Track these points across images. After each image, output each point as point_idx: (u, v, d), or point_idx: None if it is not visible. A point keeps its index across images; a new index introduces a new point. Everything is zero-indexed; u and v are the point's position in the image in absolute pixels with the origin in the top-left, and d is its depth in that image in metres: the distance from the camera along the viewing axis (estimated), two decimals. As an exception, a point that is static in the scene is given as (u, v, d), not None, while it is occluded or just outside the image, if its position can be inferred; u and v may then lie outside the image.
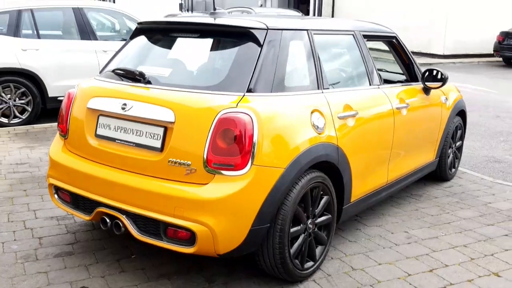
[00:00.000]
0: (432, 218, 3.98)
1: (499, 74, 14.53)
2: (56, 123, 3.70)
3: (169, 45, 3.25)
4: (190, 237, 2.62)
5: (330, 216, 3.13)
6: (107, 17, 7.85)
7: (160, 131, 2.74)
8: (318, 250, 3.08)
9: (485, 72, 14.82)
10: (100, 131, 2.99)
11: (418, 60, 16.80)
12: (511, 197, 4.50)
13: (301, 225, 2.91)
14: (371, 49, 4.36)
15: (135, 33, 3.36)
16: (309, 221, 2.96)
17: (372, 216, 3.98)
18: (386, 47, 4.38)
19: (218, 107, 2.62)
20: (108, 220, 2.88)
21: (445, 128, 4.61)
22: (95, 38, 7.16)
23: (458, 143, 5.03)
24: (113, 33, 7.63)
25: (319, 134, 2.92)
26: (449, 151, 4.82)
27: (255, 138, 2.59)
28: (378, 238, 3.59)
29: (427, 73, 4.24)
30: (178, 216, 2.61)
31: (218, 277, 2.99)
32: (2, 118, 6.67)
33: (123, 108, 2.84)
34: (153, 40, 3.32)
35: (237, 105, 2.62)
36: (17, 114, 6.74)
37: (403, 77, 4.43)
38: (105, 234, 3.49)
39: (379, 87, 3.69)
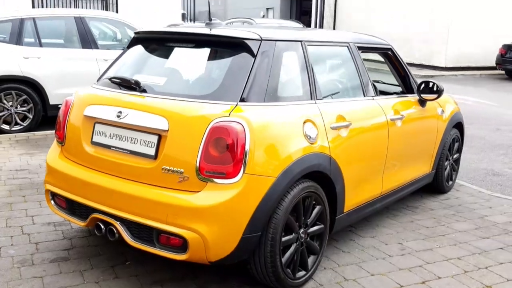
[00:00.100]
0: (427, 230, 3.99)
1: (501, 87, 14.56)
2: (56, 131, 3.76)
3: (165, 54, 3.30)
4: (182, 244, 2.65)
5: (322, 226, 3.14)
6: (109, 26, 7.94)
7: (154, 139, 2.78)
8: (311, 259, 3.10)
9: (487, 85, 14.86)
10: (96, 138, 3.03)
11: (420, 72, 16.97)
12: (508, 210, 4.50)
13: (293, 234, 2.93)
14: (370, 60, 4.41)
15: (132, 42, 3.42)
16: (301, 230, 2.98)
17: (367, 227, 3.99)
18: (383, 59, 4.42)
19: (211, 116, 2.66)
20: (102, 226, 2.91)
21: (442, 140, 4.63)
22: (96, 47, 7.25)
23: (455, 156, 5.04)
24: (114, 42, 7.72)
25: (311, 144, 2.95)
26: (446, 163, 4.84)
27: (247, 147, 2.62)
28: (372, 249, 3.60)
29: (423, 85, 4.27)
30: (170, 223, 2.64)
31: (211, 285, 3.01)
32: (3, 125, 6.74)
33: (118, 116, 2.88)
34: (150, 49, 3.38)
35: (229, 114, 2.66)
36: (19, 121, 6.81)
37: (400, 89, 4.46)
38: (101, 240, 3.51)
39: (373, 99, 3.72)
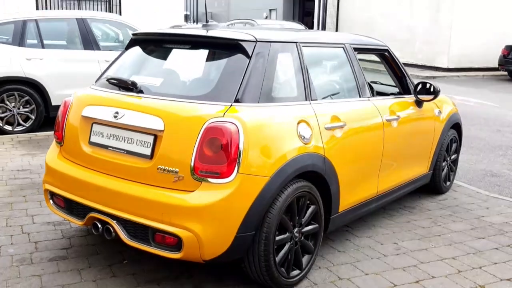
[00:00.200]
0: (423, 230, 4.01)
1: (503, 88, 14.54)
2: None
3: (162, 55, 3.35)
4: (177, 243, 2.68)
5: (317, 225, 3.17)
6: (111, 28, 8.00)
7: (150, 139, 2.82)
8: (305, 258, 3.13)
9: (489, 86, 14.84)
10: (94, 139, 3.08)
11: (422, 74, 16.97)
12: (505, 211, 4.52)
13: (287, 233, 2.96)
14: (371, 61, 4.44)
15: (130, 44, 3.47)
16: (296, 229, 3.01)
17: (364, 227, 4.02)
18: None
19: (206, 116, 2.70)
20: (99, 225, 2.95)
21: (439, 141, 4.65)
22: (98, 48, 7.31)
23: (453, 156, 5.06)
24: (116, 43, 7.77)
25: (305, 144, 2.99)
26: (444, 164, 4.86)
27: (241, 147, 2.66)
28: (367, 248, 3.62)
29: (419, 86, 4.29)
30: (165, 222, 2.68)
31: (206, 284, 3.04)
32: (6, 125, 6.80)
33: (115, 116, 2.93)
34: (147, 50, 3.42)
35: (224, 114, 2.70)
36: (21, 122, 6.87)
37: (397, 90, 4.48)
38: (99, 240, 3.55)
39: (369, 99, 3.75)
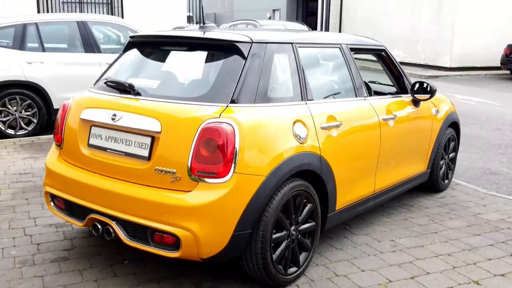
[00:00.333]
0: (420, 227, 4.05)
1: (506, 87, 14.54)
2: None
3: (159, 57, 3.40)
4: (175, 242, 2.73)
5: (314, 223, 3.22)
6: (112, 30, 8.04)
7: (148, 140, 2.87)
8: (302, 256, 3.17)
9: (491, 85, 14.84)
10: (92, 141, 3.13)
11: (425, 73, 17.00)
12: (502, 208, 4.56)
13: (284, 231, 3.00)
14: (370, 61, 4.48)
15: (128, 46, 3.52)
16: (292, 228, 3.05)
17: (361, 225, 4.06)
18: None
19: (202, 117, 2.75)
20: (99, 226, 3.00)
21: (436, 139, 4.69)
22: (99, 51, 7.35)
23: (451, 155, 5.09)
24: (117, 46, 7.79)
25: (301, 144, 3.03)
26: (442, 162, 4.89)
27: (237, 147, 2.70)
28: (365, 246, 3.67)
29: (417, 85, 4.33)
30: (164, 222, 2.72)
31: (205, 282, 3.09)
32: (8, 129, 6.86)
33: (113, 119, 2.98)
34: (144, 53, 3.48)
35: (220, 115, 2.75)
36: (23, 125, 6.93)
37: (394, 89, 4.52)
38: (100, 241, 3.60)
39: (365, 99, 3.79)
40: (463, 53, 18.13)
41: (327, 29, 24.47)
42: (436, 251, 3.61)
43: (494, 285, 3.16)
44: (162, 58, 3.36)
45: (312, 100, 3.30)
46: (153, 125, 2.83)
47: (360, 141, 3.62)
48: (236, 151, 2.70)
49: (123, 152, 2.97)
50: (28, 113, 6.92)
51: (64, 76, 7.00)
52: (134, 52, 3.47)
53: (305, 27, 16.22)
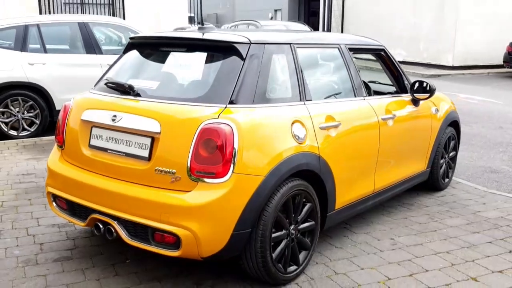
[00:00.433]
0: (420, 226, 4.08)
1: (508, 85, 14.51)
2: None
3: (158, 59, 3.44)
4: (175, 241, 2.76)
5: (313, 222, 3.24)
6: (113, 31, 8.08)
7: (148, 141, 2.90)
8: (302, 255, 3.20)
9: (494, 83, 14.82)
10: (93, 142, 3.16)
11: (428, 72, 17.00)
12: (501, 206, 4.57)
13: (284, 230, 3.03)
14: (371, 60, 4.50)
15: (128, 48, 3.56)
16: (292, 227, 3.08)
17: (362, 223, 4.09)
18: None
19: (201, 118, 2.78)
20: (101, 226, 3.03)
21: (436, 138, 4.70)
22: (100, 52, 7.38)
23: (451, 154, 5.11)
24: (119, 47, 7.82)
25: (300, 144, 3.06)
26: (442, 161, 4.91)
27: (235, 148, 2.73)
28: (364, 244, 3.69)
29: (416, 85, 4.35)
30: (164, 221, 2.76)
31: (206, 281, 3.12)
32: (11, 130, 6.91)
33: (113, 120, 3.01)
34: (144, 54, 3.51)
35: (218, 116, 2.78)
36: (26, 126, 6.97)
37: (394, 89, 4.54)
38: (103, 240, 3.64)
39: (364, 99, 3.82)
40: (465, 51, 18.11)
41: (329, 29, 24.48)
42: (435, 249, 3.64)
43: (492, 281, 3.19)
44: (161, 59, 3.40)
45: (311, 100, 3.33)
46: (152, 126, 2.86)
47: (359, 141, 3.64)
48: (235, 151, 2.73)
49: (123, 152, 3.01)
50: (31, 114, 6.96)
51: (66, 77, 7.04)
52: (134, 53, 3.51)
53: (306, 28, 16.24)
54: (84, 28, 7.35)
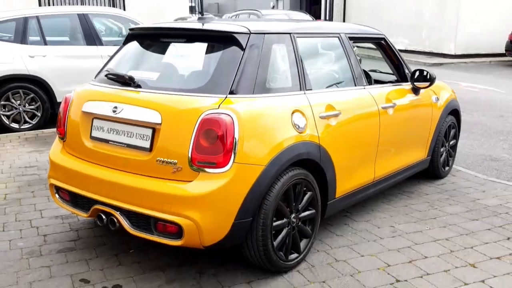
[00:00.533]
0: (420, 213, 4.11)
1: (510, 74, 14.46)
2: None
3: (158, 50, 3.45)
4: (177, 231, 2.79)
5: (314, 211, 3.27)
6: (114, 22, 8.07)
7: (149, 132, 2.92)
8: (303, 243, 3.24)
9: (496, 72, 14.77)
10: (95, 133, 3.19)
11: (430, 61, 16.95)
12: (501, 193, 4.60)
13: (285, 219, 3.06)
14: (373, 49, 4.49)
15: (128, 39, 3.57)
16: (293, 215, 3.11)
17: (362, 211, 4.12)
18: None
19: (201, 108, 2.80)
20: (104, 217, 3.06)
21: (437, 127, 4.72)
22: (101, 44, 7.38)
23: (452, 142, 5.12)
24: (119, 38, 7.80)
25: (300, 133, 3.08)
26: (442, 149, 4.92)
27: (236, 138, 2.75)
28: (365, 232, 3.73)
29: (416, 73, 4.35)
30: (166, 211, 2.79)
31: (208, 269, 3.16)
32: (13, 123, 6.93)
33: (114, 111, 3.03)
34: (144, 45, 3.51)
35: (219, 106, 2.80)
36: (27, 119, 6.99)
37: (394, 78, 4.55)
38: (105, 231, 3.68)
39: (364, 88, 3.83)
40: (467, 40, 18.02)
41: (331, 18, 24.38)
42: (435, 236, 3.67)
43: (490, 267, 3.22)
44: (161, 50, 3.41)
45: (311, 90, 3.34)
46: (153, 117, 2.88)
47: (359, 129, 3.66)
48: (235, 141, 2.75)
49: (125, 143, 3.03)
50: (32, 107, 6.97)
51: (67, 69, 7.04)
52: (134, 45, 3.52)
53: (308, 17, 16.20)
54: (84, 20, 7.33)
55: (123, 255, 3.35)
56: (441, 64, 16.66)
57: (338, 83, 3.78)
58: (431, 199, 4.45)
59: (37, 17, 7.10)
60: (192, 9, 25.10)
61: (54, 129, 6.83)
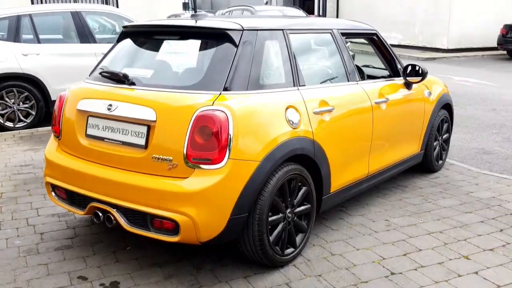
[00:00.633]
0: (414, 207, 4.15)
1: (502, 67, 14.55)
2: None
3: (151, 47, 3.46)
4: (174, 227, 2.82)
5: (309, 206, 3.30)
6: (107, 20, 8.04)
7: (144, 129, 2.94)
8: (299, 237, 3.27)
9: (488, 66, 14.86)
10: (90, 131, 3.20)
11: (423, 55, 17.01)
12: (493, 186, 4.65)
13: (280, 214, 3.09)
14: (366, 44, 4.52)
15: (121, 37, 3.57)
16: (288, 210, 3.14)
17: (357, 206, 4.16)
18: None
19: (196, 105, 2.81)
20: (100, 214, 3.07)
21: (429, 121, 4.75)
22: (94, 41, 7.35)
23: (445, 136, 5.17)
24: (112, 36, 7.77)
25: (294, 129, 3.10)
26: (435, 143, 4.97)
27: (231, 134, 2.77)
28: (360, 226, 3.77)
29: (409, 68, 4.39)
30: (162, 208, 2.81)
31: (205, 265, 3.19)
32: (7, 122, 6.91)
33: (109, 109, 3.04)
34: (138, 42, 3.52)
35: (213, 103, 2.82)
36: (22, 118, 6.97)
37: (387, 73, 4.58)
38: (102, 228, 3.69)
39: (357, 83, 3.86)
40: (460, 34, 18.10)
41: (324, 14, 24.38)
42: (429, 229, 3.72)
43: (483, 259, 3.27)
44: (155, 47, 3.42)
45: (304, 85, 3.37)
46: (148, 114, 2.90)
47: (353, 125, 3.69)
48: (230, 137, 2.77)
49: (120, 141, 3.04)
50: (26, 105, 6.96)
51: (60, 67, 7.02)
52: (128, 42, 3.52)
53: (301, 13, 16.18)
54: (77, 17, 7.31)
55: (120, 252, 3.37)
56: (434, 58, 16.73)
57: (331, 79, 3.81)
58: (425, 192, 4.50)
59: (30, 15, 7.07)
60: (185, 6, 25.01)
61: (49, 128, 6.83)
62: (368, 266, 3.18)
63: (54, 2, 14.44)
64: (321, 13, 24.63)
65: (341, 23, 4.06)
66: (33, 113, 7.01)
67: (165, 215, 2.80)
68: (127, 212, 2.98)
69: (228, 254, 3.29)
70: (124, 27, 3.59)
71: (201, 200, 2.77)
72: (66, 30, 7.40)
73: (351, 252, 3.36)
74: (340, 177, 3.58)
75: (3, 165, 5.31)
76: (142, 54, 3.51)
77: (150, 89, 3.02)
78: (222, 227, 2.83)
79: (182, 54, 3.25)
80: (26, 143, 6.19)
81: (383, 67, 4.62)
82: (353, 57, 4.01)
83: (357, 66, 4.20)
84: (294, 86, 3.29)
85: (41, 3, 14.29)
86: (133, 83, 3.12)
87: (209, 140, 2.76)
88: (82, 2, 14.75)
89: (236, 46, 3.04)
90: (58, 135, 3.41)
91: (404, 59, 15.59)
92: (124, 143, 3.02)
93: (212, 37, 3.17)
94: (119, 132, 3.05)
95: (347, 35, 4.02)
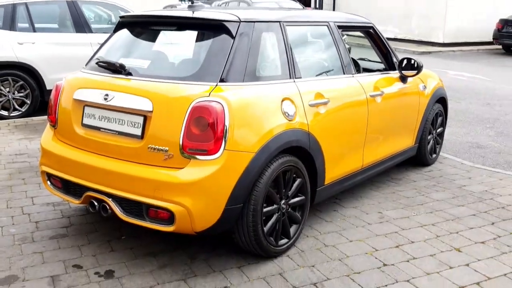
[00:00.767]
0: (407, 200, 4.19)
1: (498, 62, 14.60)
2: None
3: (148, 37, 3.46)
4: (169, 217, 2.84)
5: (303, 197, 3.33)
6: (103, 10, 8.01)
7: (140, 119, 2.95)
8: (293, 228, 3.30)
9: (484, 60, 14.91)
10: (86, 121, 3.21)
11: (419, 49, 17.04)
12: (486, 180, 4.70)
13: (275, 205, 3.12)
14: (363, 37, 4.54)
15: (118, 27, 3.57)
16: (283, 201, 3.17)
17: (351, 198, 4.19)
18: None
19: (192, 96, 2.83)
20: (96, 203, 3.09)
21: (424, 115, 4.79)
22: (90, 31, 7.33)
23: (439, 130, 5.20)
24: (108, 25, 7.75)
25: (289, 121, 3.12)
26: (429, 137, 5.00)
27: (226, 125, 2.79)
28: (353, 218, 3.80)
29: (404, 62, 4.41)
30: (158, 198, 2.83)
31: (200, 255, 3.21)
32: (2, 111, 6.89)
33: (105, 99, 3.05)
34: (134, 33, 3.52)
35: (209, 94, 2.83)
36: (17, 107, 6.95)
37: (383, 66, 4.60)
38: (98, 218, 3.71)
39: (353, 76, 3.88)
40: (456, 28, 18.12)
41: (320, 6, 24.31)
42: (421, 221, 3.76)
43: (474, 251, 3.32)
44: (152, 38, 3.42)
45: (300, 78, 3.38)
46: (144, 105, 2.91)
47: (348, 117, 3.71)
48: (226, 128, 2.79)
49: (116, 131, 3.05)
50: (21, 94, 6.93)
51: (56, 56, 6.99)
52: (124, 32, 3.52)
53: (298, 5, 16.14)
54: (73, 7, 7.27)
55: (115, 241, 3.39)
56: (429, 52, 16.76)
57: (327, 72, 3.82)
58: (418, 185, 4.54)
59: (25, 3, 7.03)
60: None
61: (44, 117, 6.83)
62: (360, 257, 3.21)
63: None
64: (317, 6, 24.56)
65: (337, 16, 4.07)
66: (28, 102, 6.99)
67: (160, 205, 2.82)
68: (122, 202, 3.00)
69: (223, 244, 3.32)
70: (121, 17, 3.59)
71: (197, 190, 2.79)
72: (62, 19, 7.36)
73: (344, 243, 3.39)
74: (335, 169, 3.61)
75: (-2, 153, 5.31)
76: (139, 45, 3.51)
77: (147, 79, 3.03)
78: (217, 218, 2.86)
79: (178, 45, 3.26)
80: (21, 132, 6.18)
81: (379, 60, 4.65)
82: (349, 50, 4.02)
83: (353, 59, 4.22)
84: (290, 78, 3.30)
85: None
86: (129, 74, 3.12)
87: (205, 131, 2.78)
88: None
89: (233, 37, 3.05)
90: (54, 124, 3.41)
91: (400, 52, 15.59)
92: (120, 133, 3.03)
93: (209, 28, 3.17)
94: (115, 122, 3.06)
95: (344, 28, 4.03)
